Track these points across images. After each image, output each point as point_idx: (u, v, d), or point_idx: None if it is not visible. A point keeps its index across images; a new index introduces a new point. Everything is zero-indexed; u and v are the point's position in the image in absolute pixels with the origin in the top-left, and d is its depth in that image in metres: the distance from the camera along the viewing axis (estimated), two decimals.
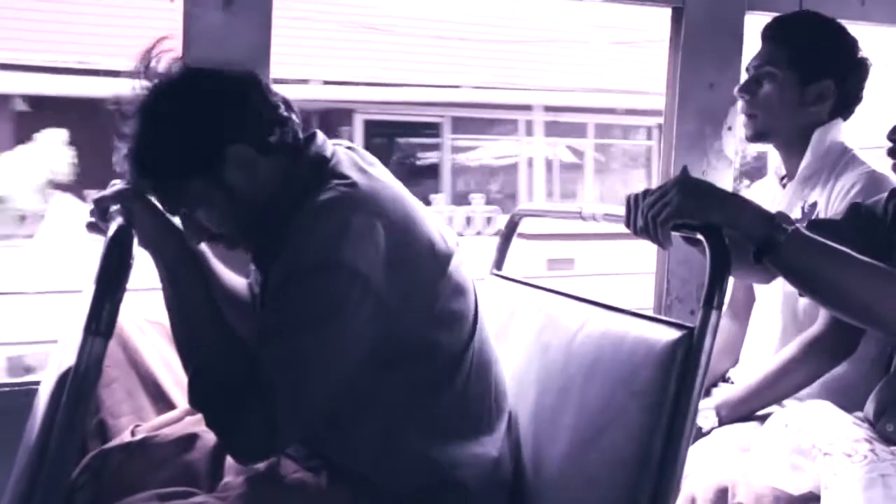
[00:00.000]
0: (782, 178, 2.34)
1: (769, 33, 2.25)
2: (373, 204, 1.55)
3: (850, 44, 2.25)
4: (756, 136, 2.28)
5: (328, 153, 1.63)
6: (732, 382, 2.37)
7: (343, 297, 1.48)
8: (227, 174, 1.56)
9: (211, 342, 1.47)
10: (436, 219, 1.67)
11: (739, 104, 2.27)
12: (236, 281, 1.83)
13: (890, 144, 1.80)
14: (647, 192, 1.60)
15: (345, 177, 1.56)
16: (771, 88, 2.21)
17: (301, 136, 1.63)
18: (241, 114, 1.57)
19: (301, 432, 1.49)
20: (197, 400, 1.48)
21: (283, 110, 1.61)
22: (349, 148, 1.67)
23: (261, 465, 1.57)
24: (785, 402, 2.19)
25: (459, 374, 1.64)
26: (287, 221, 1.53)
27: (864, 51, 2.26)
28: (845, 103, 2.24)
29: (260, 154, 1.57)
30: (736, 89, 2.24)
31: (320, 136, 1.65)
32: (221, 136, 1.55)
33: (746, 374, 2.35)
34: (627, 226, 1.63)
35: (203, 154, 1.55)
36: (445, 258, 1.63)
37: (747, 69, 2.27)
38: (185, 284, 1.52)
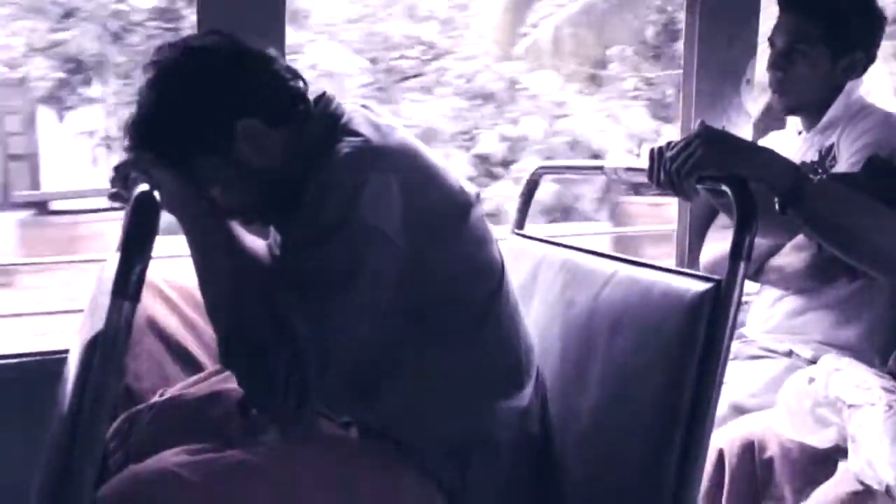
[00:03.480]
0: (799, 132, 2.34)
1: (797, 4, 2.21)
2: (387, 159, 1.54)
3: (878, 13, 2.25)
4: (788, 111, 2.29)
5: (340, 112, 1.62)
6: (745, 340, 2.38)
7: (363, 254, 1.48)
8: (236, 150, 1.55)
9: (239, 303, 1.46)
10: (454, 172, 1.66)
11: (765, 66, 2.26)
12: (258, 244, 1.84)
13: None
14: (669, 145, 1.59)
15: (358, 134, 1.55)
16: (804, 65, 2.20)
17: (310, 101, 1.62)
18: (245, 88, 1.55)
19: (331, 390, 1.49)
20: (227, 360, 1.47)
21: (289, 79, 1.59)
22: (363, 106, 1.66)
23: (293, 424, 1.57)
24: (806, 354, 2.19)
25: (488, 326, 1.64)
26: (302, 183, 1.52)
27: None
28: (869, 65, 2.26)
29: (269, 126, 1.56)
30: (767, 65, 2.23)
31: (330, 96, 1.64)
32: (227, 112, 1.53)
33: (758, 329, 2.36)
34: (650, 179, 1.62)
35: (210, 132, 1.53)
36: (465, 210, 1.62)
37: (772, 41, 2.25)
38: (211, 245, 1.52)
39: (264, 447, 1.51)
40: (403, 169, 1.55)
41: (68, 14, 10.09)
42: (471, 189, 1.66)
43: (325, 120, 1.60)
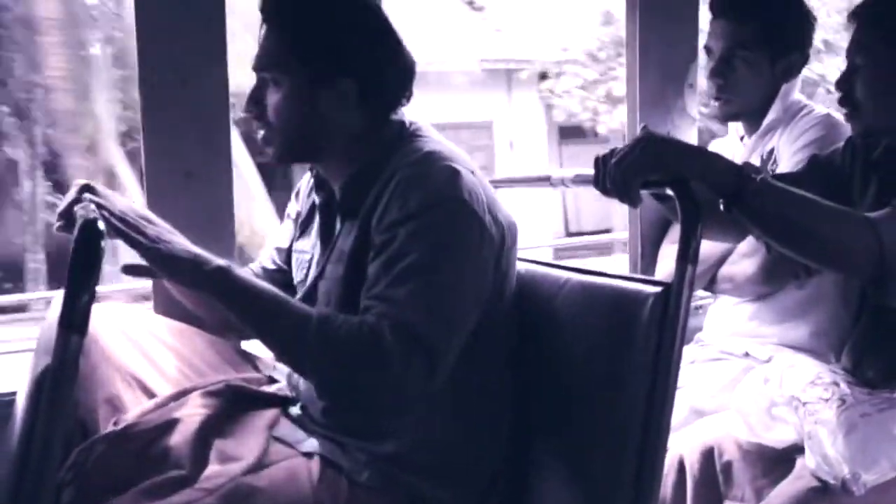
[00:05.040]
0: (742, 137, 2.37)
1: (731, 10, 2.24)
2: (465, 160, 1.60)
3: (810, 13, 2.29)
4: (729, 118, 2.32)
5: (405, 119, 1.68)
6: (703, 344, 2.39)
7: (466, 230, 1.52)
8: (325, 93, 1.61)
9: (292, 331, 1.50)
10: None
11: (704, 67, 2.29)
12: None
13: (839, 94, 1.83)
14: (613, 152, 1.60)
15: (430, 138, 1.63)
16: (744, 71, 2.23)
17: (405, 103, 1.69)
18: (377, 60, 1.62)
19: (449, 365, 1.50)
20: (331, 386, 1.53)
21: (409, 81, 1.67)
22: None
23: (249, 454, 1.54)
24: (763, 356, 2.21)
25: (500, 351, 1.68)
26: (374, 172, 1.59)
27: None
28: (804, 66, 2.29)
29: (362, 105, 1.62)
30: (708, 73, 2.26)
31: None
32: (355, 62, 1.60)
33: (715, 333, 2.38)
34: (597, 186, 1.63)
35: (333, 60, 1.59)
36: (514, 236, 1.66)
37: (707, 48, 2.27)
38: (229, 297, 1.52)
39: (216, 481, 1.47)
40: (479, 177, 1.60)
41: None
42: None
43: (395, 121, 1.66)
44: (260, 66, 1.65)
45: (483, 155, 13.14)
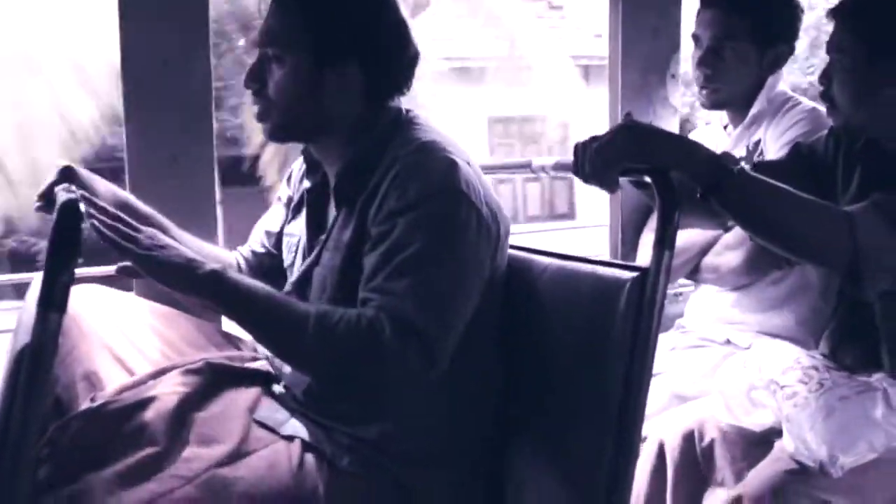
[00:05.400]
0: (725, 126, 2.38)
1: (721, 0, 2.24)
2: (462, 151, 1.61)
3: (797, 4, 2.30)
4: (715, 106, 2.33)
5: (401, 106, 1.69)
6: (684, 330, 2.41)
7: (465, 220, 1.53)
8: (328, 75, 1.61)
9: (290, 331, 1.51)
10: None
11: (691, 56, 2.29)
12: (218, 253, 1.89)
13: (822, 88, 1.84)
14: (593, 139, 1.61)
15: (426, 127, 1.64)
16: (732, 61, 2.24)
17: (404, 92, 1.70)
18: (383, 49, 1.63)
19: (448, 356, 1.51)
20: (329, 381, 1.56)
21: (410, 72, 1.68)
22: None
23: (228, 438, 1.54)
24: (744, 343, 2.23)
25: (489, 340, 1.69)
26: (371, 160, 1.59)
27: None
28: (790, 57, 2.31)
29: (364, 90, 1.63)
30: (695, 62, 2.27)
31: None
32: (365, 48, 1.61)
33: (697, 320, 2.39)
34: (576, 173, 1.63)
35: (329, 37, 1.59)
36: (507, 230, 1.67)
37: (696, 36, 2.28)
38: (225, 300, 1.52)
39: (194, 465, 1.47)
40: (475, 167, 1.61)
41: None
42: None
43: (392, 109, 1.67)
44: (265, 41, 1.64)
45: (560, 148, 13.22)
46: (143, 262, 1.48)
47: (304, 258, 1.74)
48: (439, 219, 1.51)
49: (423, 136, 1.60)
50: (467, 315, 1.54)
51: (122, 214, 1.53)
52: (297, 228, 1.79)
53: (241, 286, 1.51)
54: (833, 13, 1.83)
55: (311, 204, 1.76)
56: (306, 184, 1.78)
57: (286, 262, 1.80)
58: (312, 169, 1.77)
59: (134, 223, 1.52)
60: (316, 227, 1.74)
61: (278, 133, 1.69)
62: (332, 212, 1.69)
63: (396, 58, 1.66)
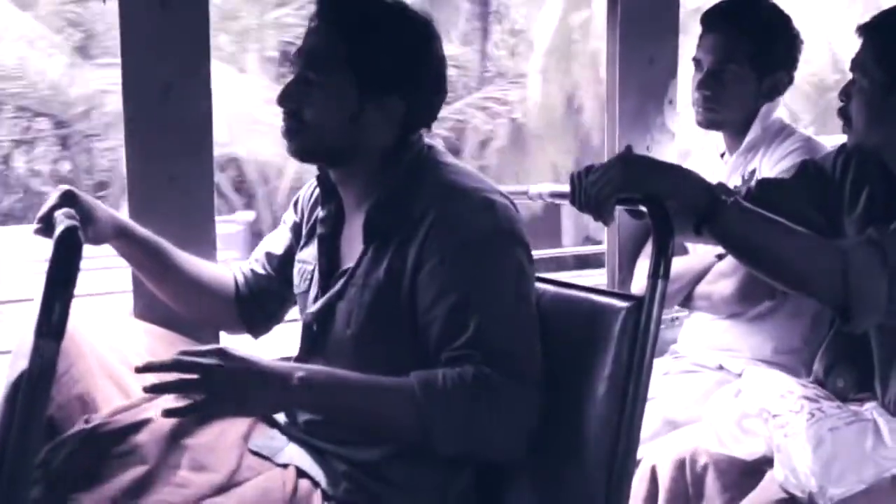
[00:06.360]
0: (722, 154, 2.40)
1: (723, 25, 2.27)
2: (491, 184, 1.63)
3: (798, 34, 2.32)
4: (711, 126, 2.34)
5: (424, 140, 1.69)
6: (677, 355, 2.42)
7: (518, 259, 1.57)
8: (370, 107, 1.60)
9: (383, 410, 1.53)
10: None
11: (691, 84, 2.31)
12: (217, 272, 1.88)
13: (840, 105, 1.85)
14: (590, 170, 1.63)
15: (453, 167, 1.65)
16: (732, 84, 2.26)
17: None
18: (427, 82, 1.63)
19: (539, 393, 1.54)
20: (453, 442, 1.52)
21: (441, 99, 1.68)
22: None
23: (222, 467, 1.53)
24: (736, 369, 2.24)
25: None
26: (403, 198, 1.59)
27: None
28: (788, 86, 2.33)
29: (401, 123, 1.63)
30: (695, 84, 2.29)
31: None
32: (410, 85, 1.61)
33: (690, 345, 2.40)
34: (573, 203, 1.65)
35: (376, 74, 1.58)
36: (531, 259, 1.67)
37: (697, 60, 2.30)
38: (323, 404, 1.54)
39: (186, 492, 1.48)
40: (507, 196, 1.64)
41: None
42: None
43: (415, 141, 1.67)
44: (307, 64, 1.62)
45: None
46: (221, 411, 1.53)
47: (319, 288, 1.71)
48: (492, 261, 1.55)
49: (452, 177, 1.61)
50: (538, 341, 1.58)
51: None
52: (311, 255, 1.76)
53: (333, 382, 1.53)
54: (860, 30, 1.82)
55: (325, 233, 1.74)
56: (320, 212, 1.76)
57: (298, 289, 1.78)
58: (328, 197, 1.74)
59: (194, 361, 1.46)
60: (328, 257, 1.72)
61: (305, 155, 1.67)
62: (354, 244, 1.67)
63: (435, 93, 1.66)
